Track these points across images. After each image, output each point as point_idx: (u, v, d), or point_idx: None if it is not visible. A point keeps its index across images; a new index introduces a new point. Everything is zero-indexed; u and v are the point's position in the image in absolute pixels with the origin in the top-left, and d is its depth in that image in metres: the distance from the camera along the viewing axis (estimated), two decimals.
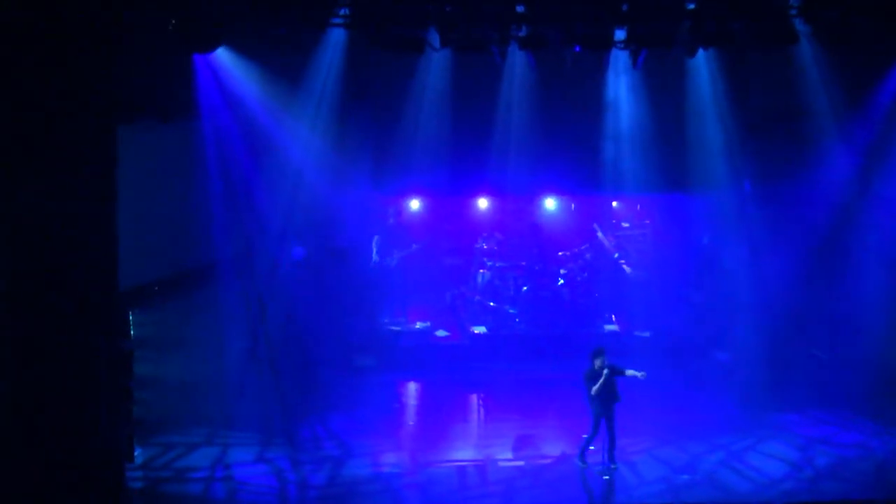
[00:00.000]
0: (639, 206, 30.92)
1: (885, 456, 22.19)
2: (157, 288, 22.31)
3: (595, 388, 20.59)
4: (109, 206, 18.60)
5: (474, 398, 26.40)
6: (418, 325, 28.88)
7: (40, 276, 18.03)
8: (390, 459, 22.00)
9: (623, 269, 30.15)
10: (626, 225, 30.98)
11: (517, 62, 24.77)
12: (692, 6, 21.25)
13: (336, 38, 23.40)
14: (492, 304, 29.22)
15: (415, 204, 29.82)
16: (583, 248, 30.21)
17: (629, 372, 20.88)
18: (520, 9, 21.10)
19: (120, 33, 18.86)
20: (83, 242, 18.23)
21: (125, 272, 19.17)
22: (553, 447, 22.51)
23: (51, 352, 18.06)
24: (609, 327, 29.09)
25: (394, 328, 28.59)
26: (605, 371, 20.59)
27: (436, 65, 25.12)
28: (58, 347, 18.11)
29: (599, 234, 30.17)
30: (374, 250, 28.88)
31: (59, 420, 18.14)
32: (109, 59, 18.58)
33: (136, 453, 20.91)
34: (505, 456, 22.21)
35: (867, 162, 25.81)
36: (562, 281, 29.58)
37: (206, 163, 23.09)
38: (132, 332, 21.03)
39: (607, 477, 20.83)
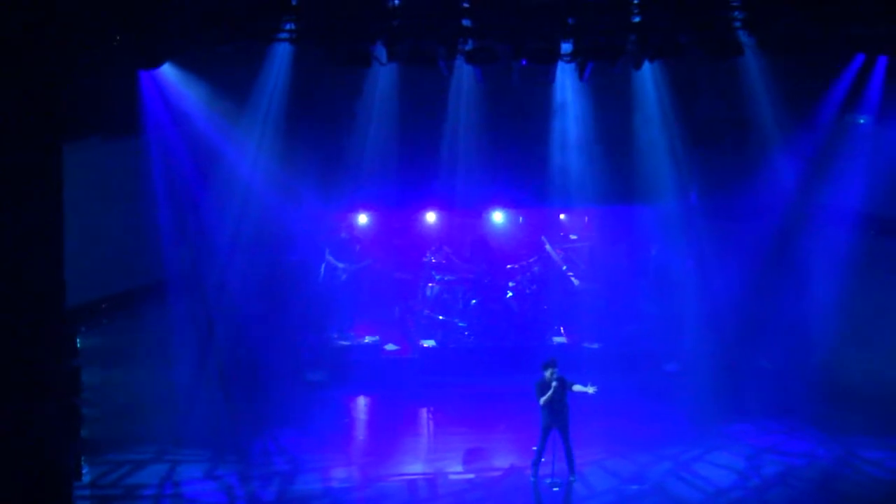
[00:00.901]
0: (586, 219, 31.01)
1: (832, 464, 22.39)
2: (104, 305, 22.17)
3: (544, 398, 20.65)
4: (55, 224, 18.47)
5: (424, 412, 26.38)
6: (367, 339, 28.81)
7: None
8: (340, 474, 21.97)
9: (571, 282, 30.22)
10: (573, 237, 31.07)
11: (464, 76, 24.85)
12: (638, 19, 21.37)
13: (282, 52, 23.35)
14: (441, 317, 29.20)
15: (363, 218, 29.78)
16: (531, 260, 30.26)
17: (577, 387, 20.93)
18: (466, 23, 21.14)
19: (64, 50, 18.76)
20: (29, 260, 18.08)
21: (72, 290, 19.03)
22: (503, 460, 22.56)
23: None
24: (558, 339, 29.12)
25: (343, 342, 28.52)
26: (555, 382, 20.64)
27: (383, 79, 25.13)
28: (4, 365, 17.94)
29: (547, 247, 30.23)
30: (324, 265, 28.82)
31: (4, 438, 17.97)
32: (53, 76, 18.46)
33: (83, 471, 20.71)
34: (455, 469, 22.22)
35: (812, 171, 26.01)
36: (510, 294, 29.61)
37: (152, 179, 22.95)
38: (80, 350, 20.85)
39: (557, 489, 20.89)
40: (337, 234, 29.15)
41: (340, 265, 28.89)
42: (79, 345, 20.76)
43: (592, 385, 20.99)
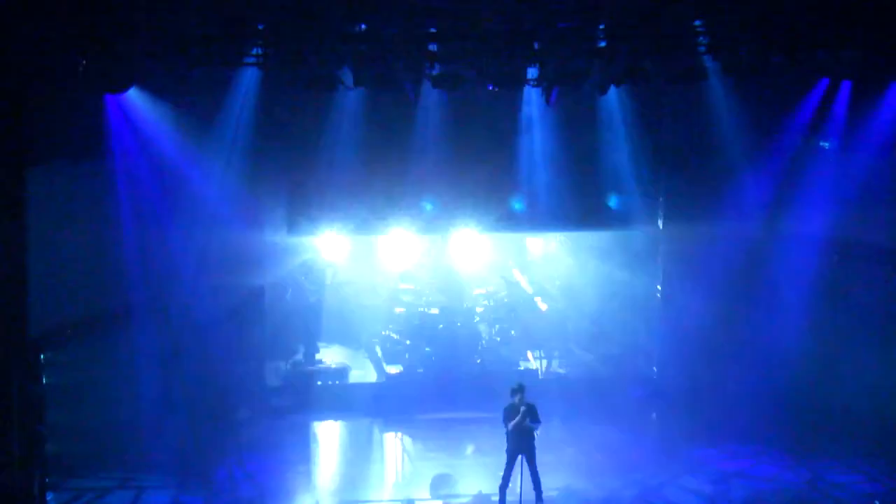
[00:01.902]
0: (554, 243, 31.05)
1: (800, 488, 22.44)
2: (69, 331, 22.04)
3: (512, 424, 20.62)
4: (19, 249, 18.42)
5: (392, 437, 26.32)
6: (334, 364, 28.73)
7: None
8: (307, 501, 21.87)
9: (538, 307, 30.25)
10: (541, 262, 31.11)
11: (431, 100, 24.85)
12: (603, 44, 21.45)
13: (249, 76, 23.30)
14: (408, 342, 29.15)
15: (331, 242, 29.71)
16: (499, 285, 30.26)
17: (537, 429, 20.85)
18: (432, 47, 21.16)
19: (28, 74, 18.72)
20: None
21: (36, 314, 18.96)
22: (470, 485, 22.49)
23: None
24: (525, 364, 29.13)
25: (310, 368, 28.42)
26: (523, 408, 20.61)
27: (350, 103, 25.09)
28: None
29: (515, 272, 30.26)
30: (290, 290, 28.73)
31: None
32: (17, 100, 18.41)
33: (48, 498, 20.62)
34: (422, 496, 22.16)
35: (778, 195, 26.11)
36: (478, 318, 29.61)
37: (118, 203, 22.82)
38: (44, 376, 20.73)
39: None
40: (302, 259, 29.04)
41: (311, 287, 28.80)
42: (42, 370, 20.67)
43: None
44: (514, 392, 20.82)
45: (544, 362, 29.13)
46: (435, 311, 29.55)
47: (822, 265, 25.69)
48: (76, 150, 21.65)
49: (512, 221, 27.92)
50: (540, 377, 28.13)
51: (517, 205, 27.36)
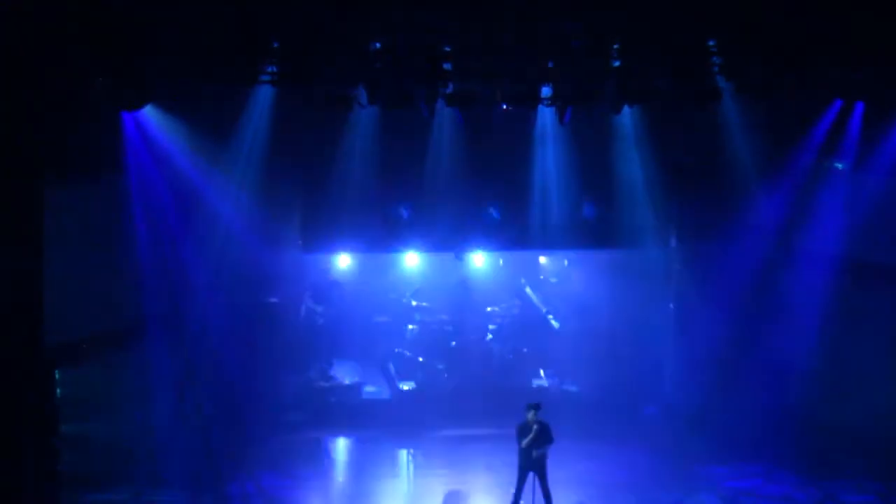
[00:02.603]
0: (566, 262, 31.10)
1: None
2: (84, 345, 22.13)
3: (525, 441, 20.63)
4: (35, 264, 18.53)
5: (404, 453, 26.36)
6: (347, 381, 28.80)
7: None
8: None
9: (551, 324, 30.29)
10: (553, 280, 31.15)
11: (445, 118, 24.94)
12: (617, 64, 21.52)
13: (264, 95, 23.44)
14: (420, 359, 29.23)
15: (344, 260, 29.81)
16: (511, 303, 30.32)
17: (550, 447, 20.86)
18: (447, 66, 21.27)
19: (45, 92, 18.86)
20: (8, 300, 18.12)
21: (52, 329, 19.05)
22: (482, 502, 22.52)
23: None
24: (538, 382, 29.17)
25: (323, 384, 28.49)
26: (536, 426, 20.62)
27: (364, 121, 25.20)
28: None
29: (527, 290, 30.31)
30: (304, 306, 28.83)
31: None
32: (35, 117, 18.55)
33: None
34: None
35: (791, 216, 26.14)
36: (490, 336, 29.67)
37: (133, 220, 22.96)
38: (58, 390, 20.82)
39: None
40: (316, 276, 29.15)
41: (318, 308, 28.91)
42: (57, 384, 20.76)
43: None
44: (528, 409, 20.81)
45: (557, 380, 29.17)
46: (447, 327, 29.60)
47: (835, 285, 25.67)
48: (93, 166, 21.78)
49: (525, 240, 27.98)
50: (552, 395, 28.12)
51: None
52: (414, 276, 30.76)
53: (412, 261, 30.32)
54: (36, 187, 18.80)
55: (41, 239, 18.57)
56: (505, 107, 22.30)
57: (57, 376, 20.78)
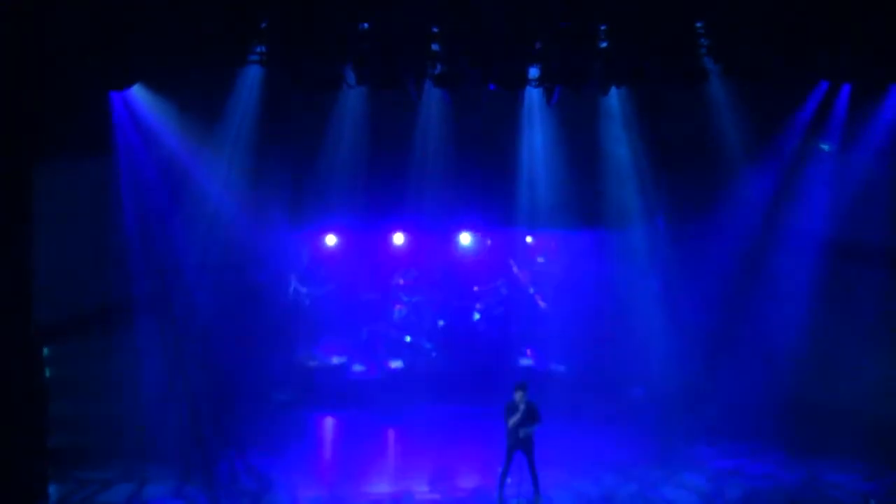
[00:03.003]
0: (553, 242, 31.16)
1: (795, 487, 22.51)
2: (72, 324, 22.19)
3: (512, 420, 20.69)
4: (23, 242, 18.55)
5: (391, 432, 26.48)
6: (335, 359, 28.89)
7: None
8: (308, 493, 21.99)
9: (538, 304, 30.37)
10: (540, 260, 31.20)
11: (433, 99, 24.97)
12: (604, 45, 21.55)
13: (253, 74, 23.46)
14: (408, 338, 29.32)
15: (331, 239, 29.83)
16: (498, 282, 30.41)
17: (537, 427, 20.92)
18: (435, 47, 21.29)
19: (34, 70, 18.86)
20: None
21: (40, 307, 19.10)
22: (469, 480, 22.62)
23: None
24: (524, 361, 29.27)
25: (310, 363, 28.57)
26: (523, 406, 20.69)
27: (352, 101, 25.23)
28: None
29: (515, 269, 30.38)
30: (292, 286, 28.89)
31: None
32: (23, 95, 18.55)
33: (50, 490, 20.73)
34: (422, 489, 22.26)
35: (778, 196, 26.24)
36: (478, 315, 29.77)
37: (122, 199, 23.02)
38: (47, 369, 20.87)
39: None
40: (303, 256, 29.20)
41: (304, 290, 28.98)
42: (46, 363, 20.80)
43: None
44: (516, 388, 20.87)
45: (544, 360, 29.27)
46: (434, 307, 29.68)
47: (822, 265, 25.79)
48: (81, 146, 21.82)
49: (512, 219, 28.06)
50: (538, 374, 28.22)
51: None
52: (402, 255, 30.77)
53: (399, 240, 30.34)
54: (24, 167, 18.82)
55: (30, 219, 18.60)
56: (493, 88, 22.31)
57: (46, 354, 20.83)
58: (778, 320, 26.27)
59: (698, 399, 26.38)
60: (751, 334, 26.71)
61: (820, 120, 25.25)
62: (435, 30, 21.20)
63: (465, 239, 30.38)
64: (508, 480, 21.10)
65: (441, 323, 29.38)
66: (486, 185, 27.32)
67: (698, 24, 21.47)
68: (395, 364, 28.87)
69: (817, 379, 25.71)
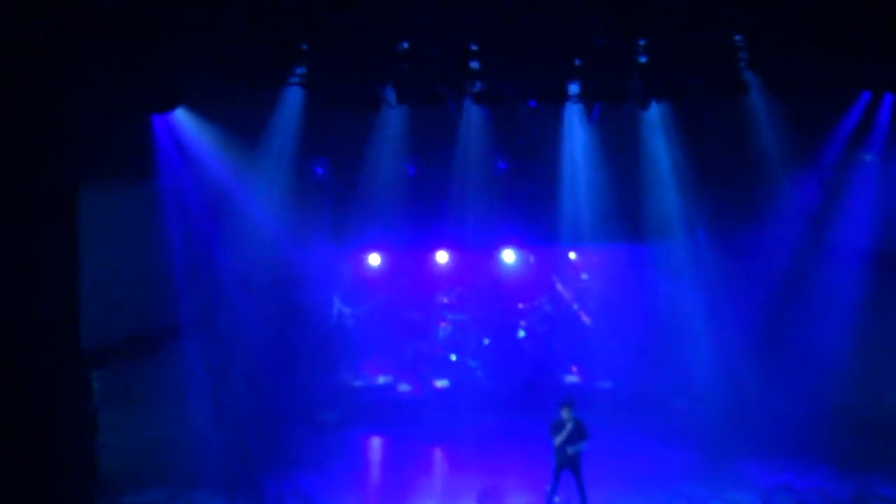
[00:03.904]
0: (597, 257, 31.09)
1: (846, 501, 22.34)
2: (119, 348, 22.30)
3: (559, 439, 20.62)
4: (70, 268, 18.67)
5: (437, 452, 26.44)
6: (380, 379, 28.92)
7: (1, 339, 18.02)
8: None
9: (583, 320, 30.31)
10: (584, 276, 31.14)
11: (473, 116, 25.00)
12: (643, 60, 21.51)
13: (293, 96, 23.55)
14: (453, 357, 29.31)
15: (375, 258, 29.89)
16: (542, 299, 30.38)
17: (584, 445, 20.84)
18: (474, 65, 21.31)
19: (78, 95, 19.00)
20: (44, 304, 18.27)
21: (88, 333, 19.19)
22: (517, 499, 22.56)
23: (12, 413, 18.04)
24: (570, 378, 29.20)
25: (356, 383, 28.60)
26: (570, 424, 20.61)
27: (393, 120, 25.28)
28: (21, 407, 18.09)
29: (558, 286, 30.34)
30: (336, 304, 28.95)
31: (21, 480, 18.08)
32: (67, 121, 18.69)
33: None
34: None
35: (820, 208, 26.12)
36: (522, 333, 29.73)
37: (166, 222, 23.16)
38: (95, 392, 20.97)
39: None
40: (347, 275, 29.26)
41: (347, 310, 29.03)
42: (95, 387, 20.91)
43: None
44: (561, 406, 20.80)
45: (589, 376, 29.20)
46: (479, 325, 29.67)
47: (866, 277, 25.64)
48: (125, 170, 21.97)
49: (555, 235, 28.03)
50: (584, 390, 28.15)
51: None
52: (445, 273, 30.77)
53: (443, 258, 30.36)
54: (70, 192, 18.94)
55: (76, 244, 18.72)
56: (533, 104, 22.31)
57: (94, 380, 20.93)
58: (824, 332, 26.10)
59: (745, 413, 26.20)
60: (797, 347, 26.57)
61: (862, 130, 25.10)
62: (474, 47, 21.21)
63: (509, 256, 30.37)
64: (556, 499, 21.04)
65: (486, 341, 29.36)
66: (528, 200, 27.38)
67: (737, 37, 21.38)
68: (441, 383, 28.87)
69: (865, 391, 25.57)
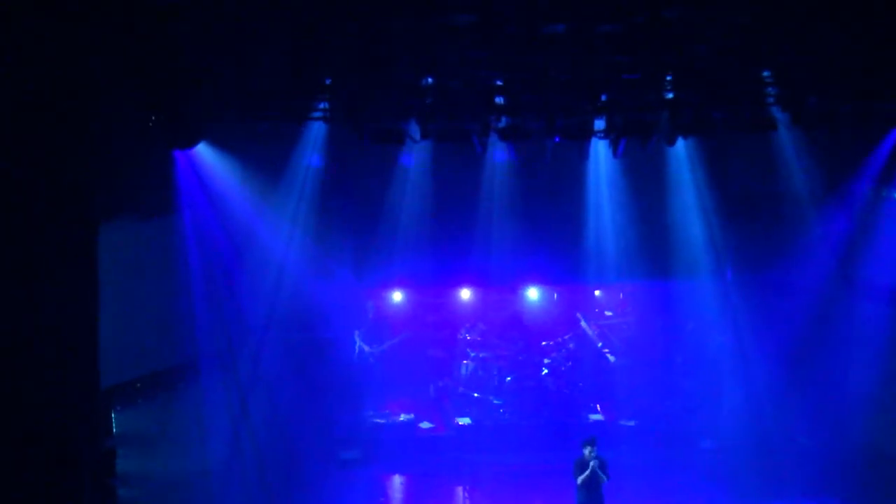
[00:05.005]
0: (622, 295, 30.93)
1: None
2: (139, 385, 22.17)
3: (582, 477, 20.46)
4: (90, 304, 18.56)
5: (460, 490, 26.23)
6: (402, 417, 28.74)
7: (21, 376, 17.90)
8: None
9: (607, 358, 30.12)
10: (609, 314, 30.97)
11: (498, 152, 24.89)
12: (670, 96, 21.38)
13: (316, 130, 23.49)
14: (476, 394, 29.12)
15: (397, 295, 29.77)
16: (566, 337, 30.20)
17: (604, 478, 20.66)
18: (499, 100, 21.21)
19: (99, 130, 18.92)
20: (64, 341, 18.15)
21: (107, 369, 19.06)
22: None
23: (31, 450, 17.91)
24: (594, 416, 29.00)
25: (378, 420, 28.44)
26: (593, 462, 20.45)
27: (417, 155, 25.20)
28: (40, 445, 17.96)
29: (583, 324, 30.17)
30: (357, 342, 28.83)
31: None
32: (88, 156, 18.61)
33: None
34: None
35: (848, 246, 25.91)
36: (546, 370, 29.54)
37: (187, 258, 23.05)
38: (115, 430, 20.85)
39: None
40: (368, 312, 29.15)
41: (367, 349, 28.91)
42: (114, 424, 20.79)
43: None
44: (584, 444, 20.66)
45: (613, 414, 28.99)
46: (502, 362, 29.50)
47: (893, 315, 25.38)
48: (146, 205, 21.87)
49: (579, 273, 27.91)
50: (608, 429, 27.94)
51: None
52: (468, 310, 30.61)
53: (466, 295, 30.21)
54: (90, 227, 18.84)
55: (96, 279, 18.60)
56: (558, 140, 22.18)
57: (113, 417, 20.82)
58: (851, 372, 25.83)
59: (771, 453, 25.96)
60: (824, 386, 26.32)
61: (891, 167, 24.88)
62: (499, 83, 21.10)
63: (533, 294, 30.23)
64: None
65: (509, 379, 29.16)
66: (552, 237, 27.23)
67: (765, 73, 21.24)
68: (463, 421, 28.65)
69: (891, 431, 25.24)
